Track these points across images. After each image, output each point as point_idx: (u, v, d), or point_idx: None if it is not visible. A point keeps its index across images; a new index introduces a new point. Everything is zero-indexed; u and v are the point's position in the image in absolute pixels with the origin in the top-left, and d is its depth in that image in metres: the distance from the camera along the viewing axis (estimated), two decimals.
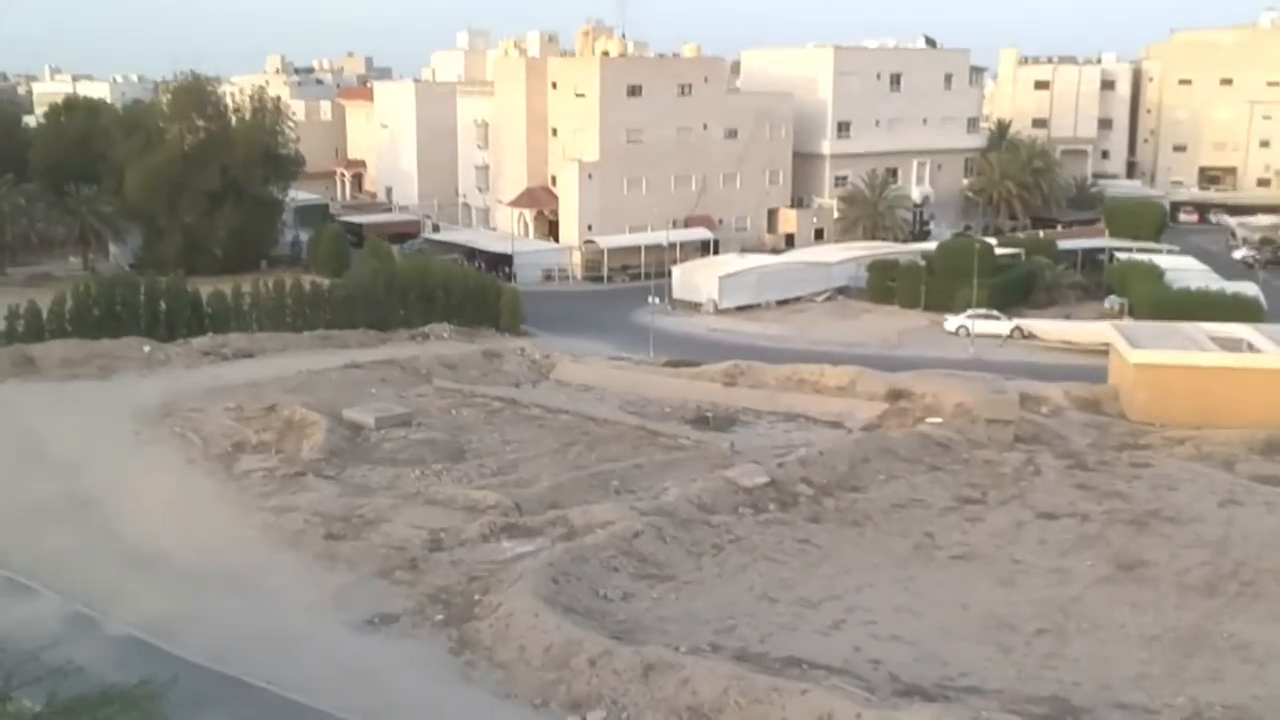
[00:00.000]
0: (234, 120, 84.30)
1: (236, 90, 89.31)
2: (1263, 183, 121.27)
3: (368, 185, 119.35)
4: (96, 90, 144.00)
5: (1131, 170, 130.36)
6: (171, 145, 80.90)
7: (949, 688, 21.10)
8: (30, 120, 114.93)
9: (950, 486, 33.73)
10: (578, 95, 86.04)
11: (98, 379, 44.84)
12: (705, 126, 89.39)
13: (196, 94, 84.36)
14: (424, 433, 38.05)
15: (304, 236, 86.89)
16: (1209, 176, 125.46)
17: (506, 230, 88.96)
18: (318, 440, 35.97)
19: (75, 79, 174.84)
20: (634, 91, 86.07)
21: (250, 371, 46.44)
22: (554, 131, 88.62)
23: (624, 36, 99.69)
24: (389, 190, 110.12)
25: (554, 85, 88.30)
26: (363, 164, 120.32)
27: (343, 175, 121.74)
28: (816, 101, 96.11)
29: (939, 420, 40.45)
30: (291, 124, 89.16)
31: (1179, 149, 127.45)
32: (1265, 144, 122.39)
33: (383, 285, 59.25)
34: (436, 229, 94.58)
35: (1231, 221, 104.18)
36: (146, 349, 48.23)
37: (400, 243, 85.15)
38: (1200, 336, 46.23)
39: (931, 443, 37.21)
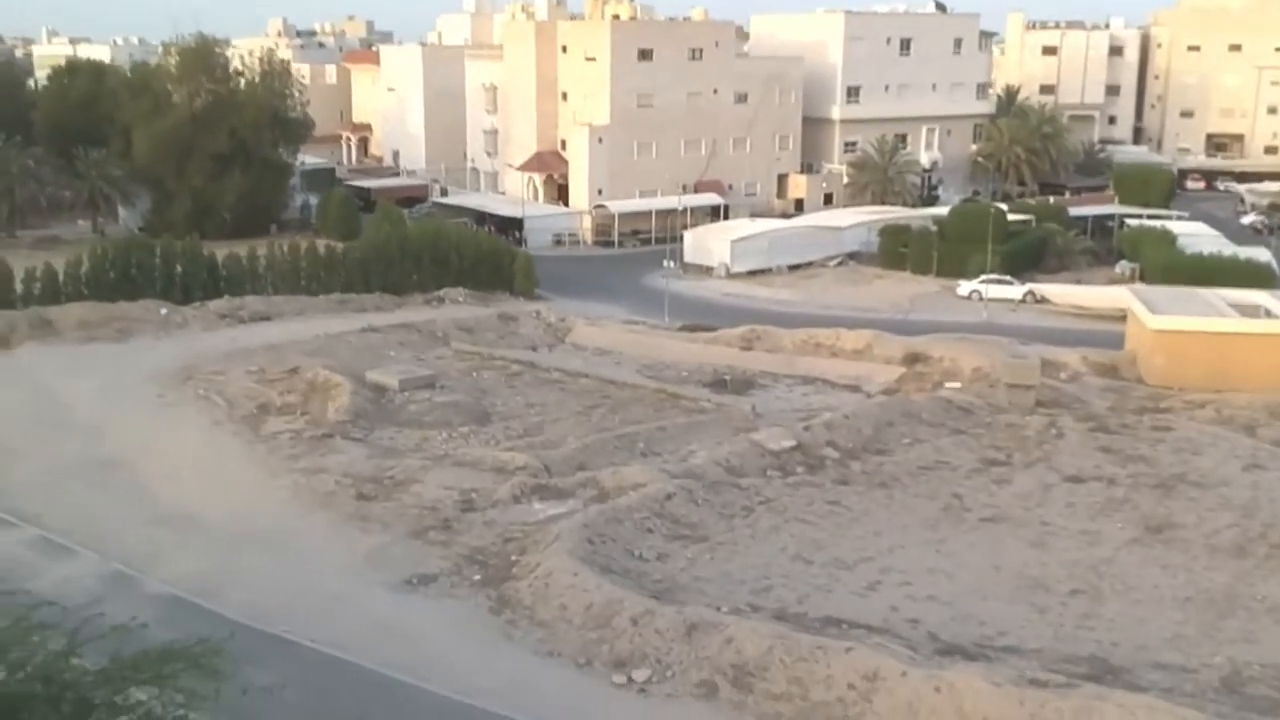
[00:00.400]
0: (241, 83, 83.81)
1: (245, 53, 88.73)
2: (1270, 150, 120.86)
3: (374, 149, 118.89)
4: (97, 53, 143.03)
5: (1138, 136, 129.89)
6: (179, 108, 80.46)
7: (988, 647, 21.24)
8: (32, 83, 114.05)
9: (975, 450, 33.80)
10: (588, 59, 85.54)
11: (115, 341, 44.84)
12: (715, 91, 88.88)
13: (204, 56, 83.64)
14: (447, 395, 38.06)
15: (312, 200, 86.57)
16: (1216, 143, 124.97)
17: (516, 194, 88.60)
18: (343, 402, 35.98)
19: (74, 42, 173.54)
20: (644, 56, 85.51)
21: (268, 334, 46.42)
22: (564, 96, 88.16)
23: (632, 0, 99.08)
24: (396, 154, 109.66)
25: (564, 49, 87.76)
26: (369, 128, 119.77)
27: (348, 139, 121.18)
28: (826, 66, 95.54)
29: (958, 385, 40.54)
30: (300, 87, 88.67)
31: (1186, 115, 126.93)
32: (1273, 110, 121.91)
33: (396, 249, 59.10)
34: (445, 193, 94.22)
35: (1240, 188, 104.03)
36: (164, 311, 48.14)
37: (408, 207, 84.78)
38: (1218, 302, 46.31)
39: (953, 407, 37.29)
